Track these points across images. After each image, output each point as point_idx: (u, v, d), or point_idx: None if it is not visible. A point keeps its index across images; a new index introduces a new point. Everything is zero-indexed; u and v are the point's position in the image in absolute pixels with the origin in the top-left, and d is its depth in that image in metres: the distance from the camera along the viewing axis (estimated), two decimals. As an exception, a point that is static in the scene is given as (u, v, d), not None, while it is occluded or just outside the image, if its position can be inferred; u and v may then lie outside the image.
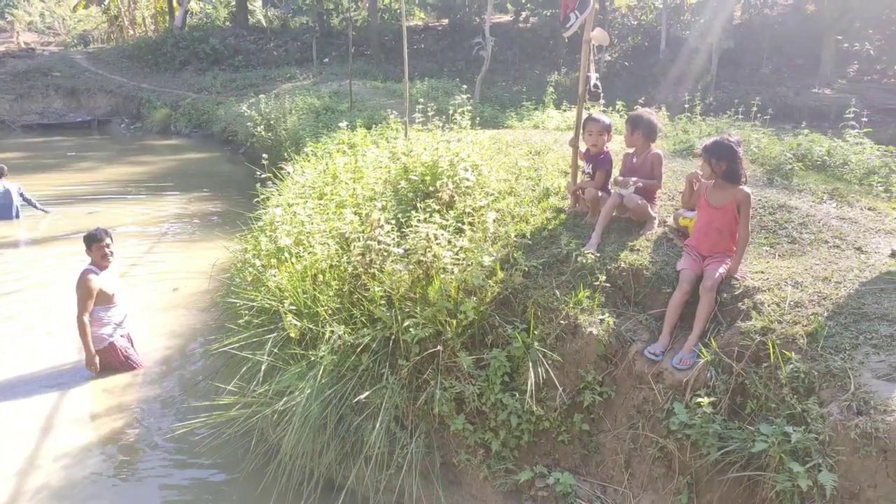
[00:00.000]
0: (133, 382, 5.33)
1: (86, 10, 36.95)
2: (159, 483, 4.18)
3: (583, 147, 4.84)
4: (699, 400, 3.03)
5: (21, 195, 10.26)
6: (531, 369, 3.57)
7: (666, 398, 3.30)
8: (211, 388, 4.59)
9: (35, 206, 10.38)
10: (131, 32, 35.05)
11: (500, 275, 4.04)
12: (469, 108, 7.41)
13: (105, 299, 5.44)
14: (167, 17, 34.05)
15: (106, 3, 33.94)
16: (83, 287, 5.30)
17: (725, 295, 3.54)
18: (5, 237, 9.44)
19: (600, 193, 4.57)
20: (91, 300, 5.32)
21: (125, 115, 25.89)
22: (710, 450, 2.95)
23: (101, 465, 4.27)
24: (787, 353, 2.97)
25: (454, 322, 3.83)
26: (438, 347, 3.78)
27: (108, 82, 26.81)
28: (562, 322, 3.75)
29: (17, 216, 10.13)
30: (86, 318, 5.28)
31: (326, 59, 27.38)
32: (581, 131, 4.77)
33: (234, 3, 34.12)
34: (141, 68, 28.60)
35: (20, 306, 6.81)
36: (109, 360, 5.43)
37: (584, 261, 3.99)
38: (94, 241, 5.45)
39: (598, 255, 4.06)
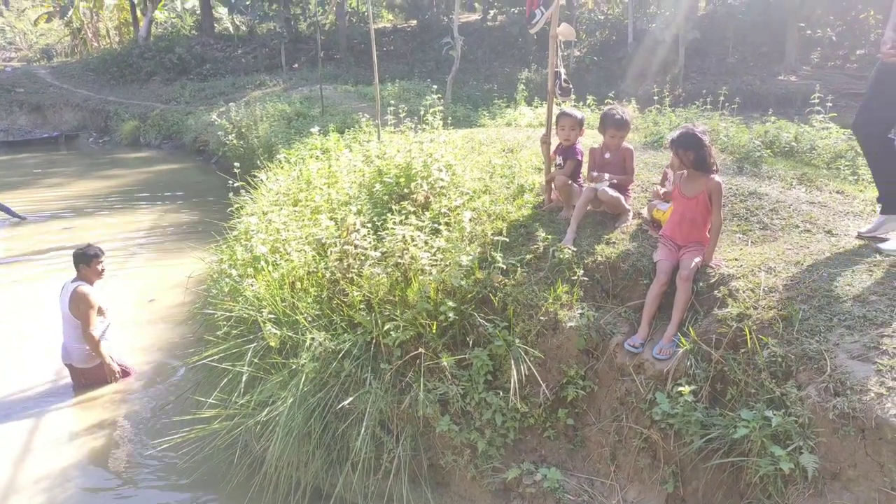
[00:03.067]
0: (112, 399, 5.23)
1: (48, 23, 36.33)
2: (142, 501, 4.11)
3: (555, 142, 4.86)
4: (680, 389, 3.06)
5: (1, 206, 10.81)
6: (514, 367, 3.58)
7: (648, 389, 3.32)
8: (192, 402, 4.53)
9: (11, 213, 10.87)
10: (95, 45, 34.49)
11: (479, 274, 4.05)
12: (440, 108, 7.41)
13: (100, 313, 5.44)
14: (131, 29, 33.55)
15: (68, 15, 33.32)
16: (85, 302, 5.26)
17: (701, 283, 3.58)
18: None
19: (571, 183, 4.59)
20: (94, 314, 5.33)
21: (93, 129, 25.46)
22: (693, 438, 2.98)
23: (83, 486, 4.19)
24: (763, 338, 3.01)
25: (434, 323, 3.82)
26: (420, 349, 3.77)
27: (74, 96, 26.34)
28: (542, 318, 3.76)
29: None
30: (95, 333, 5.29)
31: (296, 65, 27.22)
32: (553, 126, 4.80)
33: (199, 11, 33.70)
34: (107, 81, 28.15)
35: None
36: (102, 375, 5.41)
37: (561, 256, 4.01)
38: (93, 259, 5.46)
39: (575, 249, 4.08)
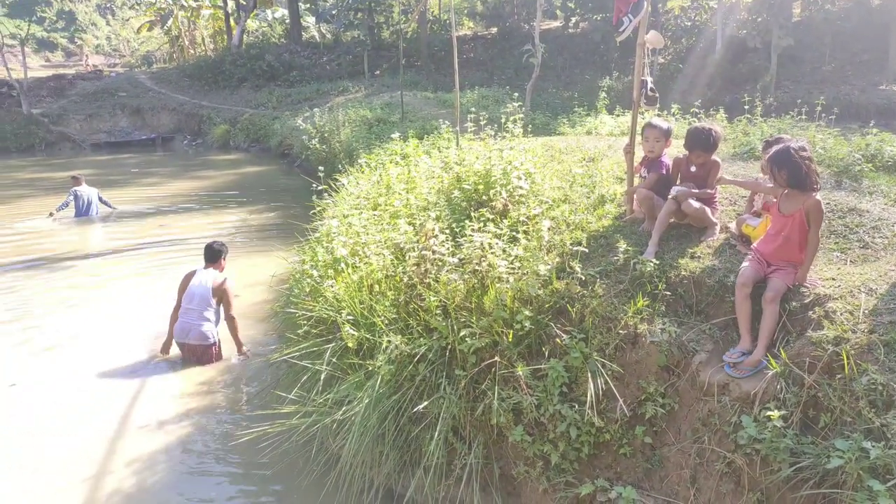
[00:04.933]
0: (198, 391, 5.49)
1: (149, 32, 38.73)
2: (225, 490, 4.29)
3: (640, 153, 4.76)
4: (769, 413, 2.91)
5: (99, 198, 12.30)
6: (590, 380, 3.51)
7: (733, 411, 3.18)
8: (272, 397, 4.69)
9: (108, 205, 12.47)
10: (192, 52, 36.50)
11: (557, 284, 4.00)
12: (521, 115, 7.38)
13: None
14: (225, 37, 35.29)
15: (168, 24, 35.44)
16: (230, 292, 6.12)
17: (794, 303, 3.40)
18: (90, 246, 10.35)
19: (653, 196, 4.47)
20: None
21: (187, 132, 26.99)
22: (781, 465, 2.83)
23: (170, 472, 4.41)
24: (863, 363, 2.83)
25: (510, 332, 3.80)
26: (495, 358, 3.76)
27: (171, 101, 27.98)
28: (621, 332, 3.67)
29: (96, 213, 12.18)
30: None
31: (377, 72, 27.82)
32: (638, 136, 4.69)
33: (288, 20, 35.05)
34: (201, 86, 29.72)
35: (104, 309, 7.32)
36: (211, 354, 6.04)
37: (643, 269, 3.90)
38: (226, 253, 6.44)
39: (657, 262, 3.97)
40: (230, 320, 6.11)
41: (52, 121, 25.82)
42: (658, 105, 4.93)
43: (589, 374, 3.55)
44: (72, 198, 11.87)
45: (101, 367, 5.86)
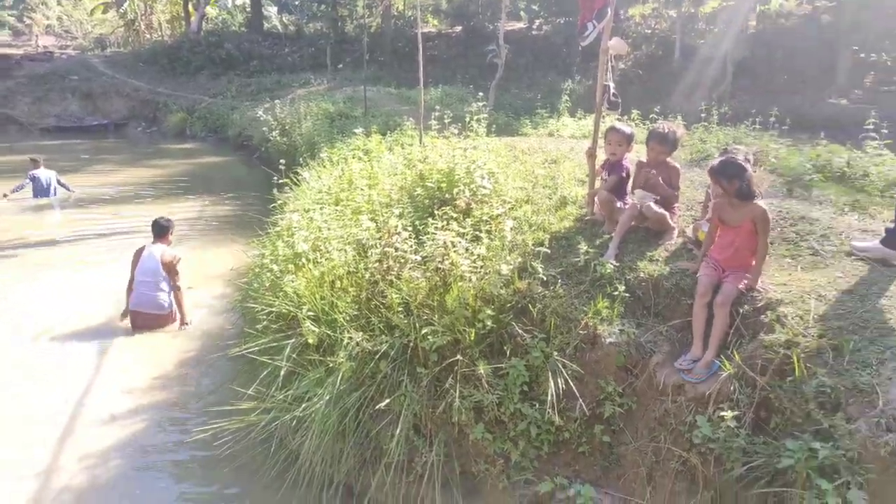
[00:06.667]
0: (153, 385, 5.34)
1: (103, 14, 37.42)
2: (180, 488, 4.21)
3: (601, 157, 4.83)
4: (723, 413, 3.00)
5: (57, 180, 12.27)
6: (551, 379, 3.56)
7: (688, 411, 3.27)
8: (230, 393, 4.60)
9: (66, 188, 12.43)
10: (148, 37, 35.43)
11: (518, 283, 4.04)
12: (485, 115, 7.41)
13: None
14: (183, 23, 34.40)
15: (123, 7, 34.31)
16: (177, 263, 6.43)
17: (747, 307, 3.51)
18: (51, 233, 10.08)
19: (619, 204, 4.56)
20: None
21: (142, 119, 26.16)
22: (734, 464, 2.92)
23: (122, 468, 4.29)
24: (812, 367, 2.94)
25: (472, 330, 3.82)
26: (457, 356, 3.77)
27: (125, 86, 27.07)
28: (581, 332, 3.73)
29: (55, 194, 12.17)
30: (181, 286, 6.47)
31: (340, 65, 27.53)
32: (600, 140, 4.77)
33: (249, 8, 34.39)
34: (157, 72, 28.85)
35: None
36: (165, 321, 6.40)
37: (603, 270, 3.97)
38: (173, 227, 6.82)
39: (617, 264, 4.04)
40: (176, 290, 6.43)
41: (-3, 102, 24.72)
42: (620, 110, 5.02)
43: (549, 374, 3.59)
44: (28, 181, 11.87)
45: (52, 353, 5.74)
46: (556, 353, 3.66)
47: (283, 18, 35.55)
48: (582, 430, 3.60)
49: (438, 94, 17.88)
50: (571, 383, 3.56)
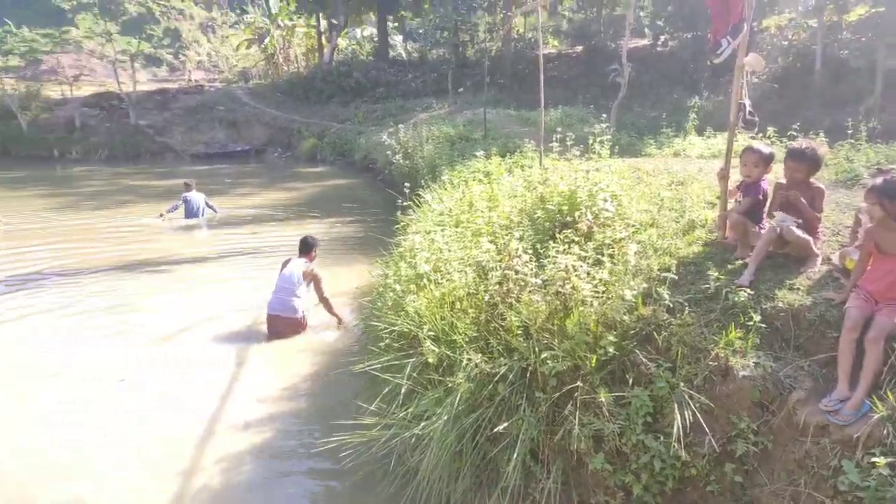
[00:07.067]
0: (283, 396, 5.69)
1: (247, 49, 40.80)
2: (308, 496, 4.44)
3: (734, 177, 4.59)
4: (874, 459, 2.72)
5: (206, 203, 13.60)
6: (677, 411, 3.39)
7: (833, 454, 2.99)
8: (354, 407, 4.80)
9: (213, 209, 13.70)
10: (285, 69, 38.17)
11: (643, 310, 3.90)
12: (608, 136, 7.28)
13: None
14: (317, 54, 36.73)
15: (265, 42, 37.24)
16: (319, 277, 7.14)
17: (905, 343, 3.18)
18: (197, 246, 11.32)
19: (747, 221, 4.30)
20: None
21: (278, 145, 28.25)
22: (887, 517, 2.64)
23: (253, 474, 4.58)
24: None
25: (593, 357, 3.73)
26: (577, 382, 3.70)
27: (264, 115, 29.37)
28: (710, 363, 3.53)
29: (203, 215, 13.47)
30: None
31: (461, 89, 28.14)
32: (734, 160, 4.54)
33: (376, 38, 36.13)
34: (293, 101, 31.06)
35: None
36: (298, 326, 6.98)
37: (736, 298, 3.74)
38: (318, 246, 7.52)
39: (752, 292, 3.80)
40: (324, 301, 7.12)
41: (157, 132, 27.70)
42: (756, 129, 4.76)
43: (675, 405, 3.43)
44: (181, 202, 13.23)
45: (197, 365, 6.25)
46: (682, 384, 3.49)
47: (408, 46, 37.01)
48: (711, 468, 3.39)
49: (559, 115, 17.79)
50: (699, 417, 3.38)
